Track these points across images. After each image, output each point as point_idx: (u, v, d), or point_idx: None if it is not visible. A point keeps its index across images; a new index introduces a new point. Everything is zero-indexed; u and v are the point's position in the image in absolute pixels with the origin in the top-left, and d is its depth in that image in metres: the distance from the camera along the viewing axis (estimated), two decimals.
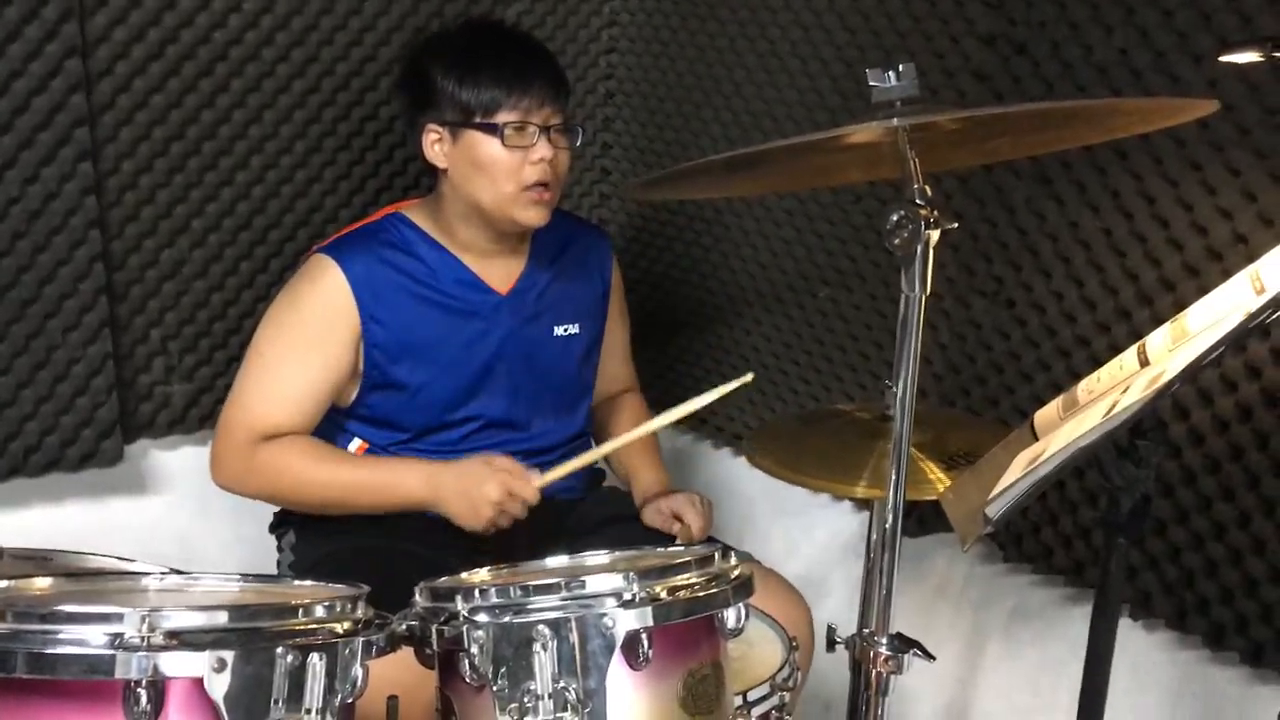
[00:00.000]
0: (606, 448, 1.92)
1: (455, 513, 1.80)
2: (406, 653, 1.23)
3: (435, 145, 1.86)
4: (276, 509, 2.01)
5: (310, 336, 1.85)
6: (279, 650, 0.99)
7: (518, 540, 1.90)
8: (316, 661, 1.00)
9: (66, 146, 1.98)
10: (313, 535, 1.93)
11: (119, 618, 0.96)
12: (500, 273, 1.96)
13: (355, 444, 1.95)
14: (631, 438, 1.90)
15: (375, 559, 1.79)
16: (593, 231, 2.15)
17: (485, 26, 2.00)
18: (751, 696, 1.47)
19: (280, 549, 1.99)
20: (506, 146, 1.80)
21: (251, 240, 2.23)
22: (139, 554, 1.76)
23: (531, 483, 1.80)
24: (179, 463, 2.26)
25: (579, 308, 2.04)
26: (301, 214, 2.27)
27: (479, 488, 1.77)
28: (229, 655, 0.97)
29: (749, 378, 1.79)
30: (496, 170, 1.81)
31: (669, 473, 2.12)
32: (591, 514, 2.02)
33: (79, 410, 2.08)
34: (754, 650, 1.61)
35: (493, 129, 1.80)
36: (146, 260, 2.14)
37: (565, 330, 2.01)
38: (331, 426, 1.92)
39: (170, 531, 2.25)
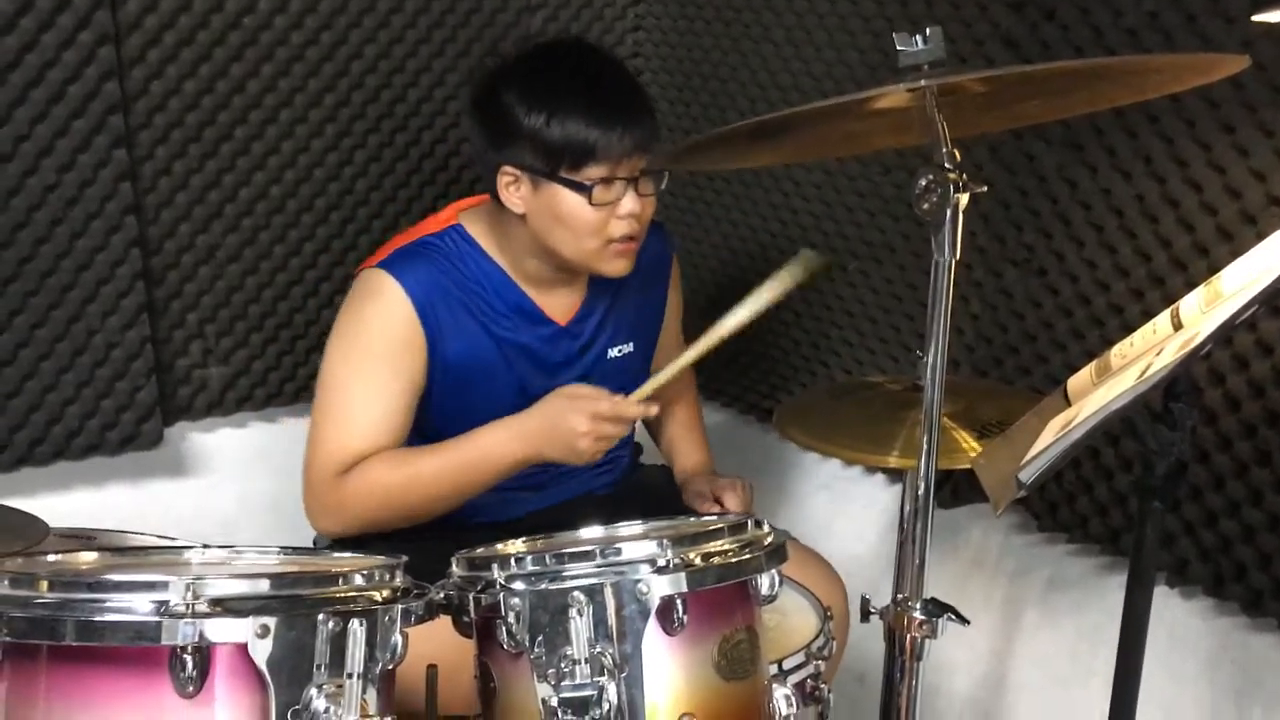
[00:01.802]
0: (694, 352, 1.75)
1: (557, 457, 1.72)
2: (445, 623, 1.25)
3: (510, 187, 1.72)
4: None
5: (380, 360, 1.75)
6: (320, 617, 1.01)
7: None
8: (357, 628, 1.02)
9: (101, 134, 2.01)
10: None
11: (164, 585, 0.98)
12: (560, 303, 1.86)
13: None
14: (713, 340, 1.74)
15: (409, 536, 1.80)
16: (658, 236, 1.94)
17: (570, 55, 1.79)
18: (787, 665, 1.47)
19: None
20: (593, 204, 1.68)
21: (285, 224, 2.26)
22: (180, 534, 1.79)
23: (614, 399, 1.70)
24: (217, 445, 2.30)
25: (636, 324, 1.95)
26: (333, 198, 2.29)
27: (565, 424, 1.68)
28: (272, 621, 0.99)
29: (811, 256, 1.71)
30: (581, 227, 1.70)
31: (713, 456, 2.10)
32: (631, 493, 2.02)
33: (118, 394, 2.12)
34: (788, 620, 1.61)
35: (580, 187, 1.67)
36: (182, 245, 2.17)
37: (620, 351, 1.93)
38: None
39: (210, 512, 2.28)
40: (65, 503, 2.13)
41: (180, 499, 2.25)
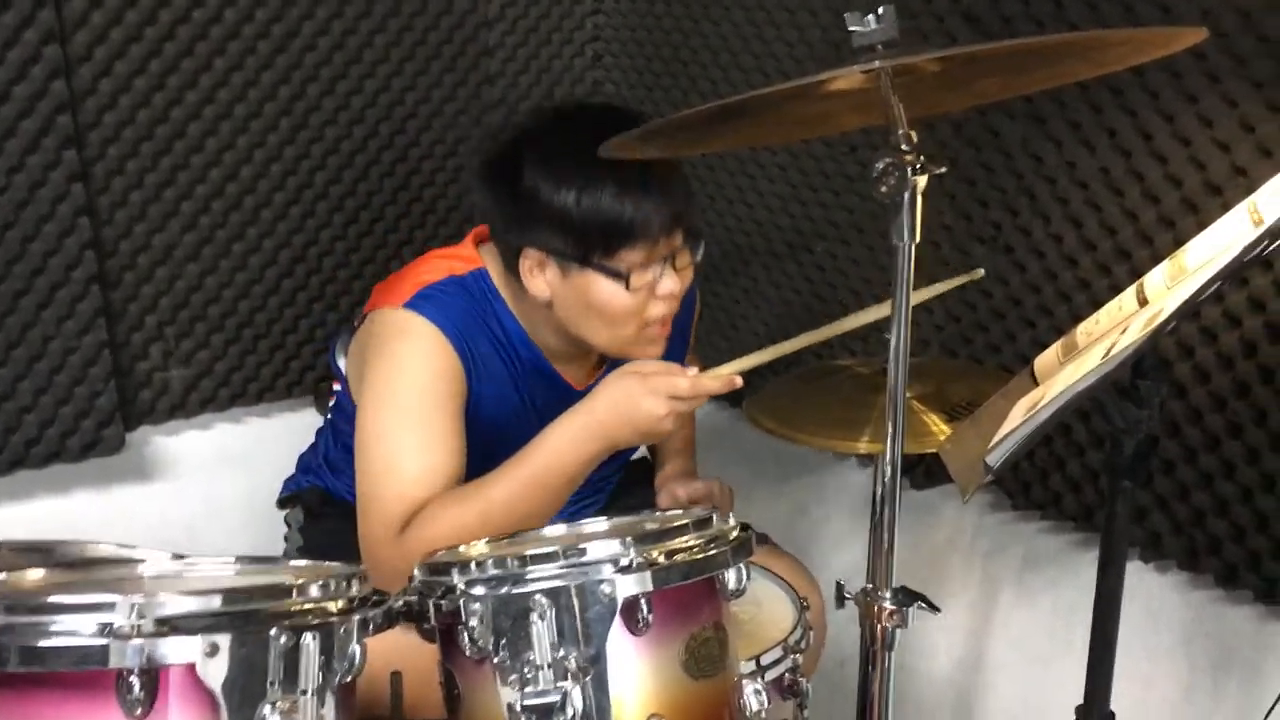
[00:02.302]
0: (806, 338, 1.60)
1: (634, 443, 1.59)
2: (409, 628, 1.22)
3: (534, 271, 1.59)
4: (285, 479, 1.99)
5: (427, 402, 1.59)
6: (272, 632, 0.98)
7: None
8: (310, 642, 0.99)
9: (50, 134, 1.96)
10: (320, 515, 1.91)
11: (110, 606, 0.95)
12: (578, 370, 1.77)
13: None
14: (832, 332, 1.62)
15: None
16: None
17: (594, 121, 1.57)
18: (764, 660, 1.45)
19: (288, 524, 1.98)
20: (630, 290, 1.55)
21: (243, 221, 2.22)
22: (146, 540, 1.74)
23: (690, 375, 1.52)
24: (182, 448, 2.26)
25: None
26: (292, 192, 2.25)
27: (642, 410, 1.50)
28: (221, 640, 0.96)
29: (980, 273, 1.61)
30: (617, 315, 1.58)
31: (694, 457, 2.06)
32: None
33: (78, 400, 2.08)
34: (764, 612, 1.60)
35: (615, 274, 1.54)
36: (138, 245, 2.12)
37: None
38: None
39: (177, 517, 2.25)
40: (28, 512, 2.10)
41: (145, 504, 2.23)
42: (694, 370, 1.53)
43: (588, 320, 1.60)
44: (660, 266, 1.57)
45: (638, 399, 1.50)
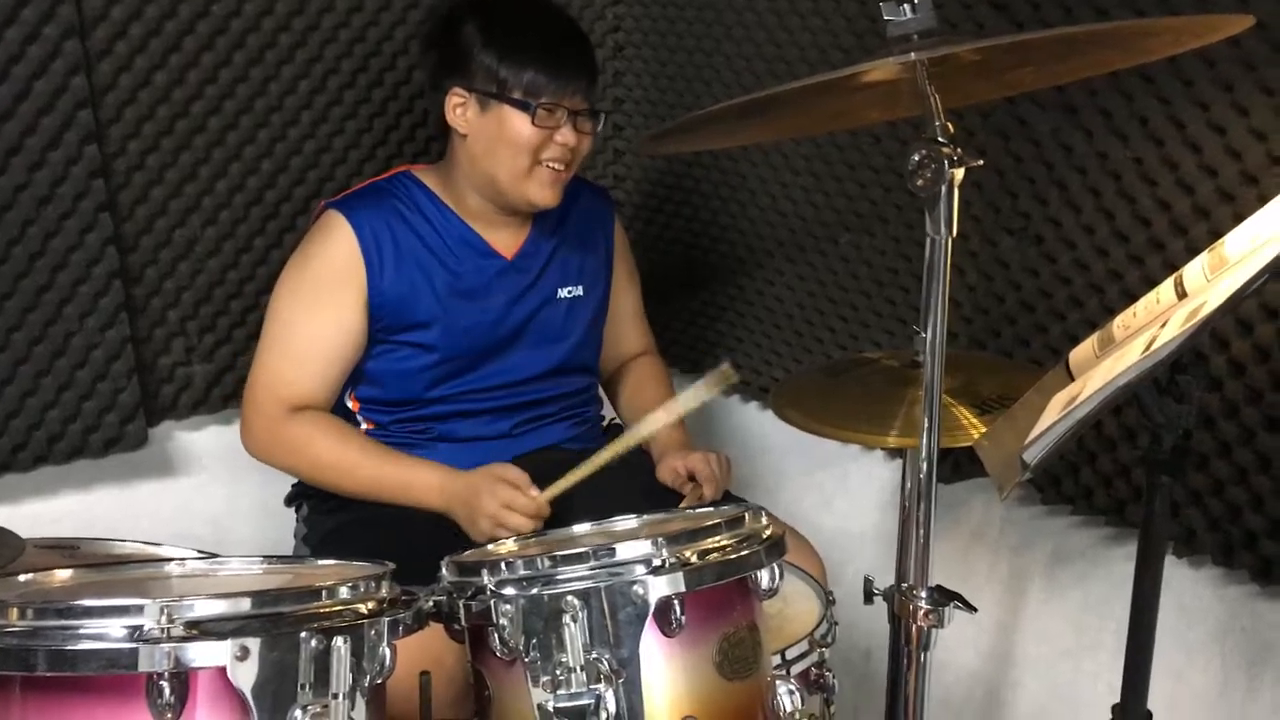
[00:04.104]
0: (604, 455, 1.77)
1: (461, 523, 1.79)
2: (437, 628, 1.21)
3: (458, 109, 1.86)
4: (294, 483, 2.02)
5: (321, 294, 1.87)
6: (303, 635, 0.97)
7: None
8: (341, 645, 0.98)
9: (70, 130, 1.95)
10: (324, 507, 1.94)
11: (139, 609, 0.94)
12: (505, 239, 1.96)
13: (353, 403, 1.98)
14: (628, 443, 1.79)
15: (387, 529, 1.81)
16: (596, 193, 2.14)
17: (530, 4, 1.96)
18: (790, 654, 1.44)
19: (296, 520, 2.01)
20: (536, 125, 1.82)
21: (264, 215, 2.21)
22: (170, 536, 1.76)
23: (532, 495, 1.74)
24: (204, 443, 2.26)
25: (584, 270, 2.04)
26: (313, 185, 2.23)
27: (477, 500, 1.75)
28: (252, 643, 0.95)
29: (725, 368, 1.78)
30: (520, 145, 1.83)
31: (688, 430, 2.06)
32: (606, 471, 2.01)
33: (100, 396, 2.07)
34: (790, 607, 1.58)
35: (526, 106, 1.81)
36: (159, 241, 2.12)
37: (569, 292, 2.02)
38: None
39: (199, 512, 2.24)
40: (51, 508, 2.09)
41: (168, 499, 2.22)
42: (536, 491, 1.73)
43: (494, 151, 1.85)
44: (564, 116, 1.84)
45: (481, 492, 1.74)
